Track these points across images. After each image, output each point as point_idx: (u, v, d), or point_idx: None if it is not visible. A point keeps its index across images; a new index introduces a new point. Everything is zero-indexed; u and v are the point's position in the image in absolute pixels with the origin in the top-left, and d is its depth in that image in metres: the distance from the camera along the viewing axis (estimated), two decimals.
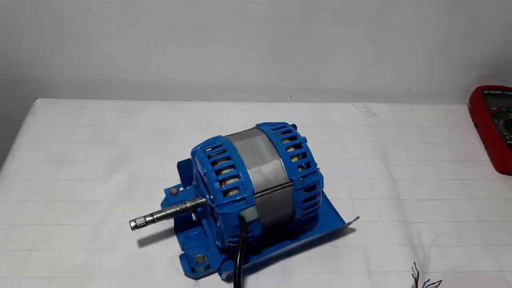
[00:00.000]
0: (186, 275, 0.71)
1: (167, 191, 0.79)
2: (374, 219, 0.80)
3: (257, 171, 0.63)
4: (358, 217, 0.75)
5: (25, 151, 0.88)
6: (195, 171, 0.71)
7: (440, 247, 0.78)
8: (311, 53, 0.96)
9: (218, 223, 0.65)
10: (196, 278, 0.71)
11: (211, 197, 0.64)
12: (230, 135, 0.70)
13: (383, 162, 0.90)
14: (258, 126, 0.71)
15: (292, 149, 0.66)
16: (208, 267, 0.70)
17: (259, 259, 0.69)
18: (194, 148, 0.68)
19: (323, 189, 0.70)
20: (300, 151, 0.66)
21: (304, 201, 0.65)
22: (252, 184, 0.62)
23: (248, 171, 0.62)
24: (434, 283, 0.69)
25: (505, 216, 0.83)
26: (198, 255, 0.71)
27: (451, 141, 0.96)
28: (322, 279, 0.72)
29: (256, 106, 1.00)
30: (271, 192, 0.63)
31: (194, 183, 0.77)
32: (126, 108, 0.97)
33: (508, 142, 0.90)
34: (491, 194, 0.86)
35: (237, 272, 0.57)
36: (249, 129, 0.71)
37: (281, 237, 0.73)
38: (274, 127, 0.69)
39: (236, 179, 0.62)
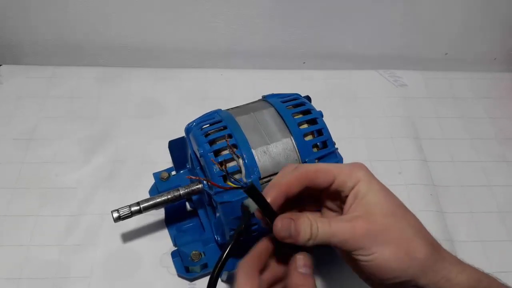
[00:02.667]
0: (179, 275, 0.71)
1: (156, 175, 0.78)
2: None
3: (264, 152, 0.62)
4: None
5: None
6: (190, 151, 0.70)
7: (483, 243, 0.77)
8: (328, 10, 0.95)
9: (218, 214, 0.65)
10: (191, 280, 0.71)
11: (209, 182, 0.63)
12: (232, 108, 0.69)
13: (414, 141, 0.90)
14: (265, 98, 0.70)
15: (305, 126, 0.66)
16: (205, 266, 0.70)
17: None
18: (188, 124, 0.67)
19: None
20: (315, 127, 0.65)
21: None
22: (258, 168, 0.61)
23: (253, 151, 0.62)
24: None
25: None
26: (194, 252, 0.70)
27: (495, 116, 0.95)
28: (341, 280, 0.72)
29: (263, 74, 0.99)
30: None
31: (188, 166, 0.76)
32: (107, 76, 0.97)
33: None
34: None
35: (216, 270, 0.56)
36: (254, 102, 0.71)
37: None
38: (284, 99, 0.68)
39: (239, 161, 0.60)
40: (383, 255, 0.46)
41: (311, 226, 0.47)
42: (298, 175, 0.50)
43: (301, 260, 0.49)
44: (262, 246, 0.52)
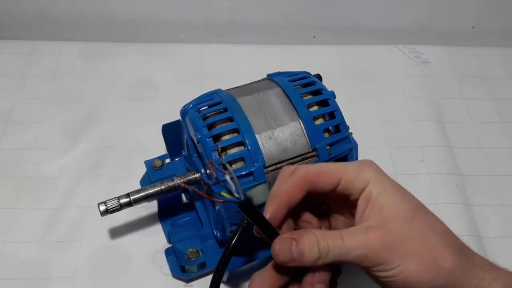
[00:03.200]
0: (174, 276, 0.71)
1: (148, 163, 0.78)
2: (426, 201, 0.76)
3: (269, 137, 0.62)
4: None
5: None
6: (186, 136, 0.70)
7: None
8: None
9: (217, 207, 0.65)
10: (187, 280, 0.71)
11: (208, 171, 0.64)
12: (233, 88, 0.68)
13: (438, 124, 0.89)
14: (271, 77, 0.69)
15: (315, 107, 0.65)
16: (203, 265, 0.70)
17: (269, 255, 0.67)
18: (184, 106, 0.67)
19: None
20: (326, 110, 0.64)
21: None
22: (262, 155, 0.60)
23: (257, 136, 0.61)
24: None
25: None
26: (190, 250, 0.70)
27: None
28: (361, 280, 0.70)
29: (268, 49, 0.99)
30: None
31: (184, 153, 0.76)
32: (93, 52, 0.97)
33: None
34: None
35: (218, 271, 0.55)
36: (258, 81, 0.70)
37: None
38: (292, 78, 0.68)
39: (241, 148, 0.61)
40: (405, 269, 0.44)
41: (318, 244, 0.45)
42: (297, 181, 0.49)
43: (315, 276, 0.48)
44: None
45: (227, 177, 0.49)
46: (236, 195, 0.48)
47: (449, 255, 0.45)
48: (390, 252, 0.44)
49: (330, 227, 0.54)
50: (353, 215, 0.49)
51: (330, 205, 0.53)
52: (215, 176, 0.52)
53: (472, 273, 0.46)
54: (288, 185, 0.48)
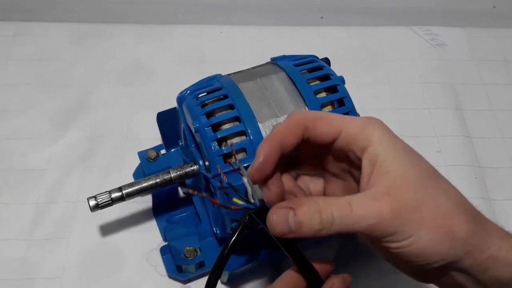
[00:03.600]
0: (170, 276, 0.71)
1: (142, 154, 0.78)
2: None
3: (273, 126, 0.60)
4: None
5: None
6: (183, 125, 0.70)
7: None
8: None
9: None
10: (185, 281, 0.71)
11: (206, 163, 0.64)
12: (234, 73, 0.69)
13: (456, 112, 0.89)
14: (275, 61, 0.69)
15: (323, 94, 0.65)
16: (201, 265, 0.70)
17: (273, 254, 0.69)
18: (181, 92, 0.67)
19: None
20: (335, 96, 0.65)
21: None
22: None
23: (260, 125, 0.61)
24: None
25: None
26: (188, 248, 0.70)
27: None
28: (373, 280, 0.72)
29: (272, 31, 0.99)
30: None
31: (181, 143, 0.76)
32: (83, 34, 0.97)
33: None
34: None
35: (215, 270, 0.55)
36: (261, 65, 0.70)
37: None
38: (297, 62, 0.68)
39: (243, 138, 0.61)
40: (419, 239, 0.43)
41: (320, 214, 0.43)
42: (293, 123, 0.46)
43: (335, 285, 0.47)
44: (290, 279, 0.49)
45: (245, 180, 0.48)
46: (252, 200, 0.47)
47: (464, 223, 0.44)
48: (402, 221, 0.43)
49: (324, 193, 0.53)
50: (353, 177, 0.48)
51: (325, 165, 0.51)
52: (226, 181, 0.51)
53: (488, 241, 0.45)
54: (282, 127, 0.46)
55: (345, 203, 0.43)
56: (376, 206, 0.43)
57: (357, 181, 0.47)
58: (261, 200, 0.46)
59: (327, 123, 0.46)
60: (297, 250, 0.46)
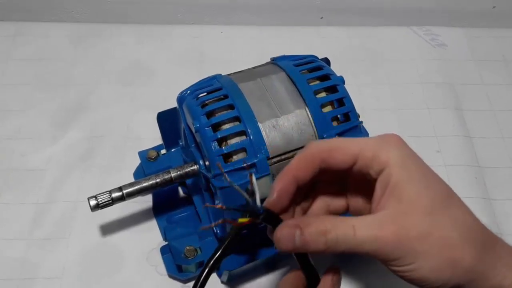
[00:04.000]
0: (170, 276, 0.71)
1: (142, 154, 0.78)
2: None
3: (273, 126, 0.62)
4: None
5: None
6: (183, 125, 0.70)
7: None
8: None
9: (217, 201, 0.65)
10: (185, 281, 0.71)
11: (207, 163, 0.64)
12: (234, 73, 0.69)
13: (456, 112, 0.89)
14: (275, 61, 0.69)
15: (323, 94, 0.65)
16: (201, 264, 0.70)
17: (273, 253, 0.69)
18: (181, 92, 0.67)
19: None
20: (335, 96, 0.65)
21: None
22: (265, 145, 0.60)
23: (260, 125, 0.61)
24: None
25: None
26: (188, 248, 0.70)
27: None
28: (373, 280, 0.72)
29: (272, 31, 0.99)
30: (293, 157, 0.60)
31: (181, 143, 0.76)
32: (83, 34, 0.97)
33: None
34: None
35: (207, 267, 0.55)
36: (261, 65, 0.70)
37: None
38: (297, 62, 0.68)
39: (243, 137, 0.61)
40: (420, 267, 0.44)
41: (326, 235, 0.44)
42: (306, 156, 0.47)
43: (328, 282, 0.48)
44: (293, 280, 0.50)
45: (253, 178, 0.46)
46: (259, 204, 0.46)
47: (468, 254, 0.44)
48: (404, 249, 0.43)
49: (348, 207, 0.53)
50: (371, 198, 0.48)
51: (348, 183, 0.52)
52: (229, 180, 0.51)
53: (494, 271, 0.45)
54: (297, 161, 0.47)
55: (350, 226, 0.44)
56: (380, 233, 0.44)
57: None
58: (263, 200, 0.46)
59: (343, 153, 0.47)
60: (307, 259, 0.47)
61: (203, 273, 0.48)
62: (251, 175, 0.46)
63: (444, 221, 0.45)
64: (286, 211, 0.48)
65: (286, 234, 0.45)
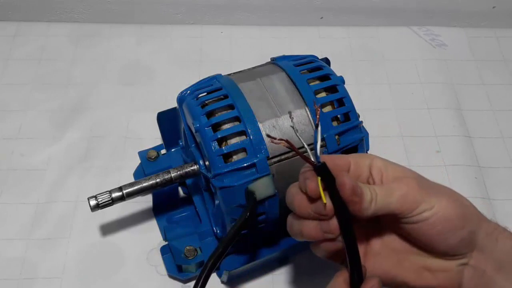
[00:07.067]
0: (170, 276, 0.71)
1: (142, 154, 0.78)
2: None
3: (273, 126, 0.62)
4: None
5: None
6: (183, 125, 0.70)
7: None
8: None
9: (217, 201, 0.65)
10: (185, 281, 0.71)
11: (207, 163, 0.64)
12: (234, 73, 0.69)
13: (456, 112, 0.89)
14: (275, 61, 0.70)
15: (323, 94, 0.65)
16: (201, 264, 0.70)
17: (274, 253, 0.70)
18: (181, 92, 0.67)
19: (368, 152, 0.68)
20: (335, 96, 0.65)
21: None
22: (265, 145, 0.60)
23: (260, 125, 0.61)
24: None
25: None
26: (188, 248, 0.70)
27: None
28: None
29: (272, 31, 0.99)
30: (293, 157, 0.61)
31: (181, 143, 0.75)
32: (83, 34, 0.96)
33: None
34: None
35: (207, 268, 0.55)
36: (261, 65, 0.71)
37: None
38: (297, 62, 0.68)
39: (243, 137, 0.61)
40: (441, 205, 0.48)
41: (369, 188, 0.48)
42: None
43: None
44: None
45: (319, 129, 0.48)
46: (319, 154, 0.47)
47: (471, 206, 0.51)
48: (425, 191, 0.49)
49: (382, 244, 0.54)
50: (405, 237, 0.52)
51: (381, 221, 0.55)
52: (318, 118, 0.51)
53: (489, 223, 0.52)
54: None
55: (378, 182, 0.51)
56: (403, 182, 0.49)
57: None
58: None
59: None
60: (353, 238, 0.47)
61: (204, 273, 0.49)
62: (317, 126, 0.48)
63: (443, 187, 0.52)
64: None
65: (351, 182, 0.47)
